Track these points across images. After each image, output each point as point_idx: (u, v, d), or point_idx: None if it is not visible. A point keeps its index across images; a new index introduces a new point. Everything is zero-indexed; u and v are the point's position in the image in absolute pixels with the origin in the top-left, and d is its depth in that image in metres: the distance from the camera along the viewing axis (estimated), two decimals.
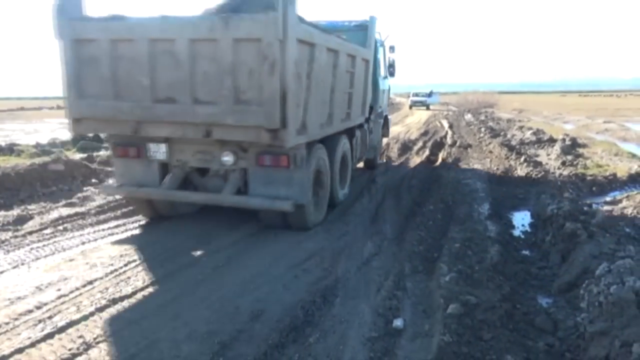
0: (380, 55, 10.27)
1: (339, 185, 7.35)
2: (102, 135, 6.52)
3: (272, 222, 6.08)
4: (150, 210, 6.50)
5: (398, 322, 3.84)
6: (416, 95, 44.31)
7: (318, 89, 5.87)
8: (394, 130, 19.08)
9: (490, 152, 14.13)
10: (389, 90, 12.08)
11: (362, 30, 8.59)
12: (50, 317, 3.82)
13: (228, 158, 5.68)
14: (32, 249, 5.39)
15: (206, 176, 6.15)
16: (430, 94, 43.84)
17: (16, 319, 3.79)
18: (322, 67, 5.93)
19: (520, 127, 20.77)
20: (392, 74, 11.20)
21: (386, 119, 11.70)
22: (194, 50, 5.07)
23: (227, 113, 5.11)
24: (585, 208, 6.62)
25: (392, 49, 10.78)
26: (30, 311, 3.92)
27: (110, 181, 8.63)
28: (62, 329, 3.64)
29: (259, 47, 4.85)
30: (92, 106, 5.55)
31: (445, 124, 23.97)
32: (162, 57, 5.19)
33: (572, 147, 13.92)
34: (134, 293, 4.31)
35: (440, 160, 12.60)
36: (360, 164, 10.29)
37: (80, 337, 3.54)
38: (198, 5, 5.85)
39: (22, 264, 4.95)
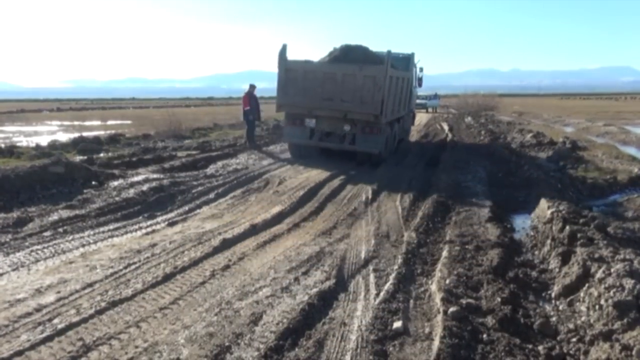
0: (414, 74, 16.07)
1: (393, 145, 13.61)
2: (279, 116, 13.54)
3: (363, 160, 11.85)
4: (299, 152, 12.56)
5: (398, 325, 3.83)
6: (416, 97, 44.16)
7: (391, 97, 11.76)
8: None
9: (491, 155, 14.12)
10: (416, 94, 19.46)
11: (406, 59, 14.72)
12: (49, 320, 3.82)
13: (347, 127, 11.61)
14: (31, 251, 5.38)
15: (330, 137, 11.93)
16: (433, 97, 43.75)
17: (16, 322, 3.78)
18: (393, 86, 11.81)
19: (521, 130, 20.73)
20: (420, 85, 17.59)
21: (414, 114, 19.03)
22: (344, 78, 11.18)
23: (356, 106, 11.21)
24: (586, 211, 6.61)
25: (421, 69, 16.88)
26: (30, 314, 3.91)
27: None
28: (61, 332, 3.63)
29: (374, 79, 10.98)
30: (290, 100, 11.78)
31: (446, 127, 23.94)
32: (328, 80, 11.32)
33: (573, 150, 13.91)
34: (133, 295, 4.30)
35: (440, 162, 12.59)
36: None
37: (80, 339, 3.54)
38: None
39: (22, 266, 4.94)
